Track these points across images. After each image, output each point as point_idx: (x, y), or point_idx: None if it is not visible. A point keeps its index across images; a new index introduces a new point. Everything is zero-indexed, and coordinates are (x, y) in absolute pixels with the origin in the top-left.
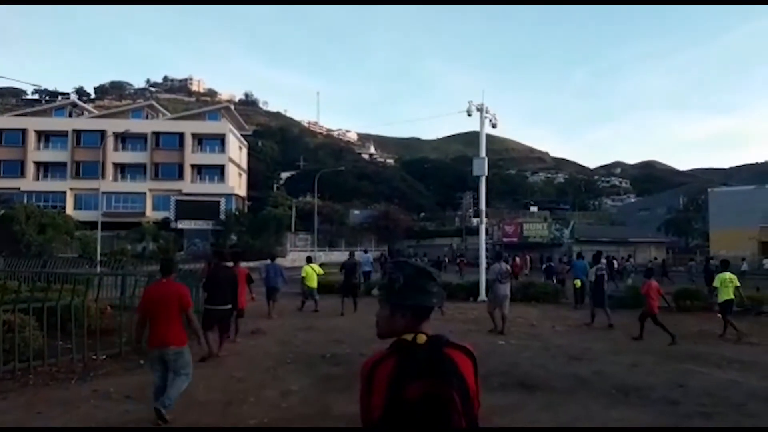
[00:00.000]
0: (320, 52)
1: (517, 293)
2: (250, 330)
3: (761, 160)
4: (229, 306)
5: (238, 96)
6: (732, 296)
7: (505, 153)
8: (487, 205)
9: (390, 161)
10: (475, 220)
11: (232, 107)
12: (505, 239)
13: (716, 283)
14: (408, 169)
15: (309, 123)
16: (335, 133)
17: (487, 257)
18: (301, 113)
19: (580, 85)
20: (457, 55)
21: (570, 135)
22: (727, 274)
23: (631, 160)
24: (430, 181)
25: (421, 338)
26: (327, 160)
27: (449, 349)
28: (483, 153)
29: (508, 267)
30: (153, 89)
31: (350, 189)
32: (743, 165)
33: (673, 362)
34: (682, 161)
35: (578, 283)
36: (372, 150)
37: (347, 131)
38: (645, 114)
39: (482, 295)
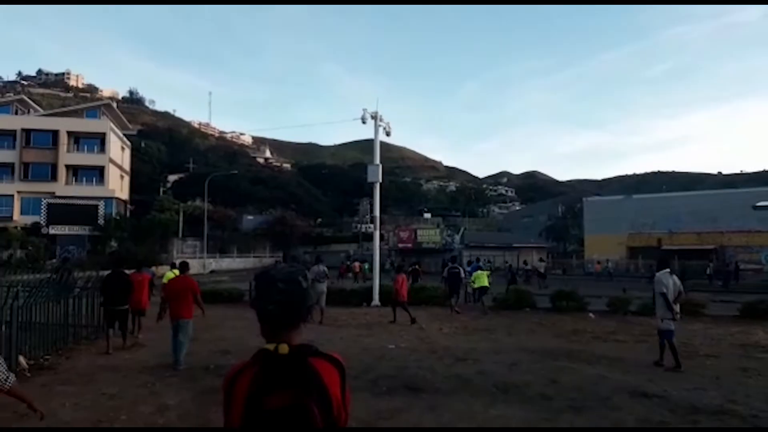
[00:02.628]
0: (213, 50)
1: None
2: (130, 343)
3: (629, 172)
4: (126, 306)
5: (122, 93)
6: (486, 284)
7: (401, 161)
8: (383, 212)
9: (287, 166)
10: (371, 226)
11: (115, 105)
12: (400, 245)
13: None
14: (305, 175)
15: (200, 124)
16: (228, 136)
17: (356, 261)
18: (191, 114)
19: (471, 98)
20: (356, 63)
21: (461, 145)
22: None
23: (517, 170)
24: (328, 187)
25: (284, 348)
26: (219, 163)
27: (315, 359)
28: (377, 160)
29: (326, 269)
30: (25, 83)
31: (244, 194)
32: (614, 177)
33: (549, 359)
34: (562, 172)
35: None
36: (268, 154)
37: (241, 134)
38: (529, 127)
39: (375, 300)
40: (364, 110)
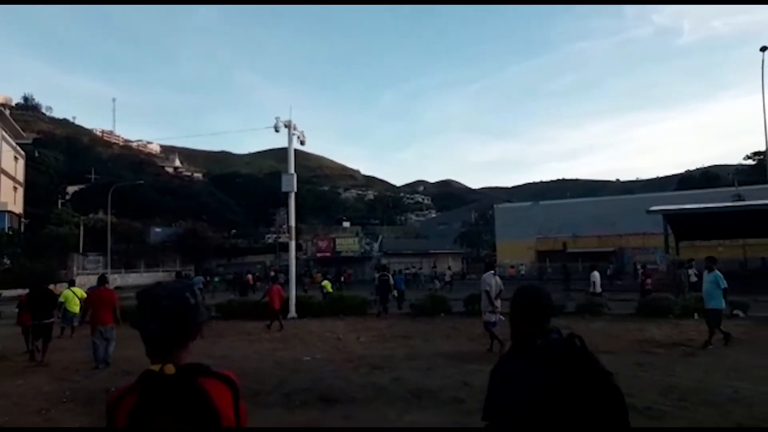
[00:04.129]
0: (117, 54)
1: (326, 308)
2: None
3: (537, 180)
4: (51, 320)
5: (16, 99)
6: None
7: (319, 170)
8: (301, 221)
9: (198, 175)
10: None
11: (7, 112)
12: (319, 254)
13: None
14: (218, 184)
15: (103, 132)
16: (134, 144)
17: (248, 274)
18: (93, 121)
19: (388, 108)
20: (272, 71)
21: (379, 154)
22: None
23: (433, 178)
24: (242, 197)
25: (170, 369)
26: (124, 173)
27: (204, 378)
28: (292, 169)
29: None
30: None
31: (151, 205)
32: (524, 184)
33: (462, 363)
34: (475, 180)
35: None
36: (177, 163)
37: (148, 142)
38: (445, 137)
39: (292, 312)
40: (277, 119)
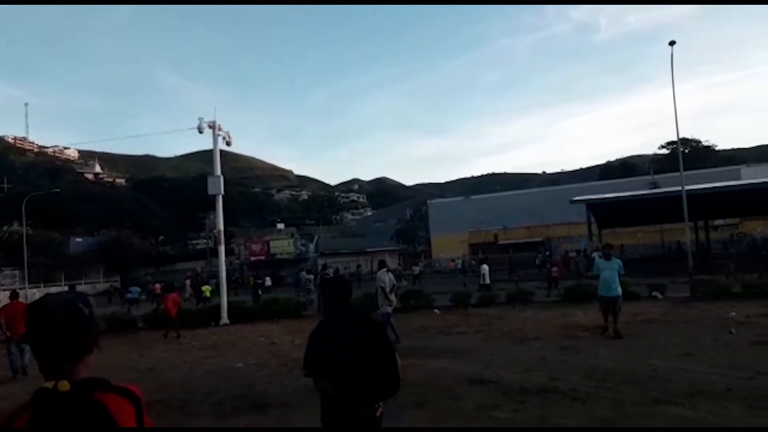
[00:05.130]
0: (28, 56)
1: (260, 311)
2: None
3: (469, 175)
4: None
5: None
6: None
7: (250, 171)
8: (232, 225)
9: (120, 181)
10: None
11: None
12: (252, 258)
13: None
14: (142, 190)
15: (15, 139)
16: (50, 150)
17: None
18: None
19: (320, 107)
20: (195, 71)
21: (312, 154)
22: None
23: (367, 176)
24: (169, 202)
25: (64, 385)
26: (40, 181)
27: (103, 394)
28: (218, 171)
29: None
30: None
31: (70, 214)
32: (456, 180)
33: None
34: (409, 177)
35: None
36: (97, 169)
37: (65, 148)
38: (378, 134)
39: (224, 318)
40: (201, 119)
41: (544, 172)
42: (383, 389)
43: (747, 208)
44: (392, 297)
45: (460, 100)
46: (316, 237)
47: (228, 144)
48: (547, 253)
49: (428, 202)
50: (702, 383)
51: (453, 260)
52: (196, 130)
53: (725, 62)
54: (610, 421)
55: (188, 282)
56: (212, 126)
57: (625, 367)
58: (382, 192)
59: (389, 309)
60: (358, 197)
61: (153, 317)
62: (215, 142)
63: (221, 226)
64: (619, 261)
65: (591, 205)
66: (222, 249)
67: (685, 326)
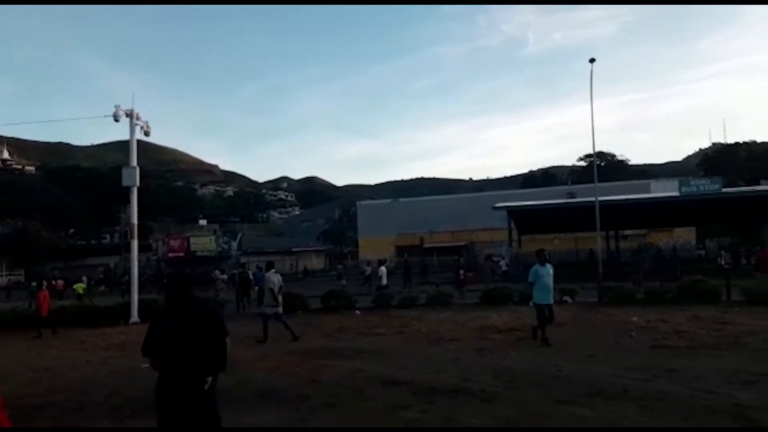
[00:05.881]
0: None
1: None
2: None
3: (399, 178)
4: None
5: None
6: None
7: (173, 164)
8: (152, 219)
9: (30, 169)
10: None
11: None
12: (170, 254)
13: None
14: (54, 179)
15: None
16: None
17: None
18: None
19: (250, 101)
20: (119, 56)
21: (240, 149)
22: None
23: (297, 175)
24: (83, 193)
25: None
26: None
27: None
28: (134, 162)
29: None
30: None
31: None
32: (386, 182)
33: (313, 359)
34: (339, 177)
35: (256, 289)
36: (5, 155)
37: None
38: (310, 133)
39: (134, 317)
40: (117, 107)
41: (471, 179)
42: (210, 367)
43: (654, 219)
44: (279, 298)
45: (393, 103)
46: (239, 235)
47: (146, 134)
48: (456, 257)
49: (357, 203)
50: (601, 384)
51: (368, 263)
52: (112, 118)
53: (640, 81)
54: (514, 420)
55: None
56: (129, 114)
57: (532, 368)
58: (312, 191)
59: (277, 310)
60: (287, 196)
61: (59, 313)
62: (132, 131)
63: (135, 219)
64: (552, 266)
65: (512, 212)
66: (135, 244)
67: (591, 330)
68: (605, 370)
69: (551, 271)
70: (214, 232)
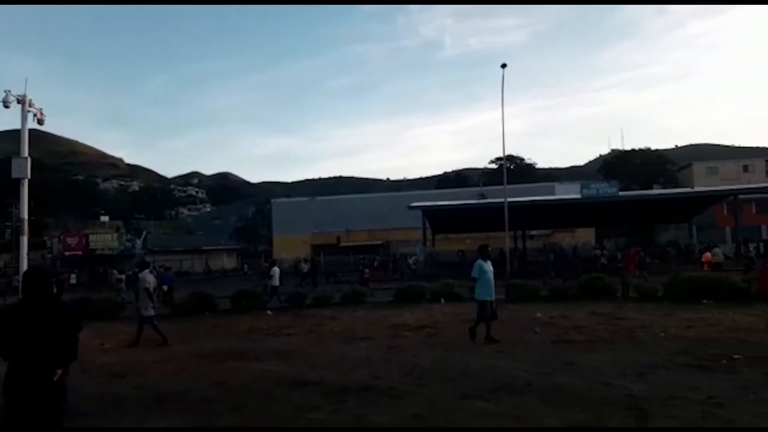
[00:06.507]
0: None
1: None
2: None
3: (316, 176)
4: None
5: None
6: None
7: (73, 156)
8: (48, 215)
9: None
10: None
11: None
12: (67, 252)
13: None
14: None
15: None
16: None
17: None
18: None
19: (160, 91)
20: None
21: (148, 142)
22: None
23: (208, 170)
24: None
25: None
26: None
27: None
28: (25, 152)
29: None
30: None
31: None
32: (303, 180)
33: (219, 362)
34: (254, 174)
35: (165, 289)
36: None
37: None
38: (224, 127)
39: None
40: (7, 92)
41: (388, 179)
42: (60, 359)
43: (558, 220)
44: (155, 299)
45: (311, 100)
46: (144, 232)
47: (40, 122)
48: (362, 257)
49: (272, 201)
50: (507, 378)
51: (305, 260)
52: (1, 104)
53: (547, 89)
54: (423, 417)
55: None
56: (21, 100)
57: (441, 364)
58: (224, 188)
59: (152, 312)
60: (197, 192)
61: None
62: (24, 119)
63: (25, 214)
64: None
65: (426, 211)
66: (25, 240)
67: (499, 326)
68: (511, 365)
69: (491, 268)
70: (117, 230)
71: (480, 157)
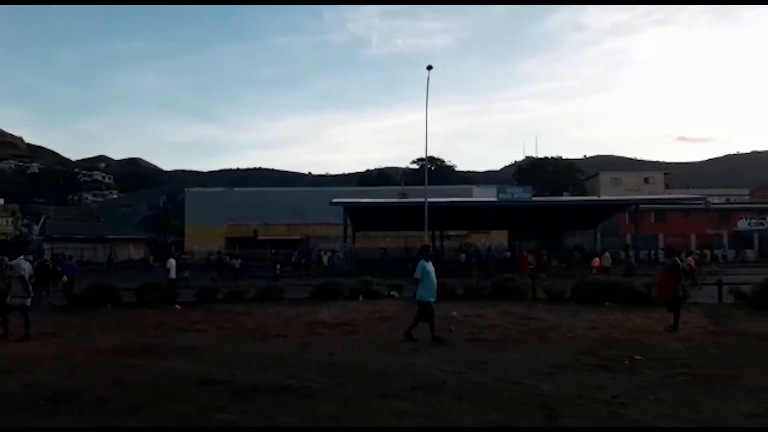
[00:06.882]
0: None
1: None
2: None
3: (235, 167)
4: None
5: None
6: None
7: None
8: None
9: None
10: None
11: None
12: None
13: None
14: None
15: None
16: None
17: None
18: None
19: (67, 69)
20: None
21: (51, 121)
22: None
23: (117, 155)
24: None
25: None
26: None
27: None
28: None
29: None
30: None
31: None
32: (221, 170)
33: (120, 358)
34: (168, 161)
35: (65, 279)
36: None
37: None
38: (136, 111)
39: None
40: None
41: (310, 173)
42: None
43: (474, 222)
44: (30, 288)
45: (233, 88)
46: (43, 217)
47: None
48: (273, 251)
49: (186, 189)
50: (422, 377)
51: (231, 255)
52: None
53: (469, 94)
54: (337, 417)
55: None
56: None
57: (357, 363)
58: (134, 174)
59: (27, 302)
60: (104, 177)
61: None
62: None
63: None
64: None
65: (348, 208)
66: None
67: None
68: (426, 364)
69: (433, 268)
70: (13, 213)
71: (402, 156)
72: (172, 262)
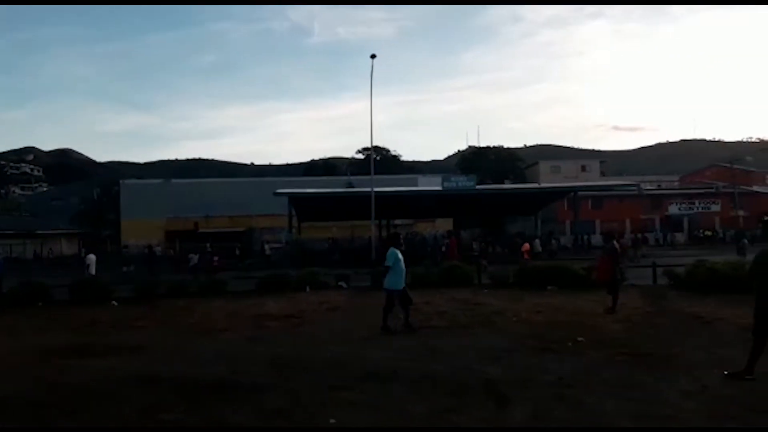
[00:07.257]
0: None
1: None
2: None
3: (174, 158)
4: None
5: None
6: None
7: None
8: None
9: None
10: None
11: None
12: None
13: None
14: None
15: None
16: None
17: None
18: None
19: None
20: None
21: None
22: None
23: (47, 146)
24: None
25: None
26: None
27: None
28: None
29: None
30: None
31: None
32: (158, 161)
33: (54, 359)
34: (101, 153)
35: None
36: None
37: None
38: (65, 99)
39: None
40: None
41: (252, 164)
42: None
43: (420, 211)
44: None
45: (169, 76)
46: None
47: None
48: (207, 244)
49: (122, 182)
50: (373, 367)
51: (170, 248)
52: None
53: (412, 84)
54: (286, 412)
55: None
56: None
57: (306, 354)
58: (65, 166)
59: None
60: (32, 169)
61: None
62: None
63: None
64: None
65: (293, 198)
66: None
67: (365, 314)
68: (376, 353)
69: (402, 257)
70: None
71: (347, 146)
72: (92, 257)
